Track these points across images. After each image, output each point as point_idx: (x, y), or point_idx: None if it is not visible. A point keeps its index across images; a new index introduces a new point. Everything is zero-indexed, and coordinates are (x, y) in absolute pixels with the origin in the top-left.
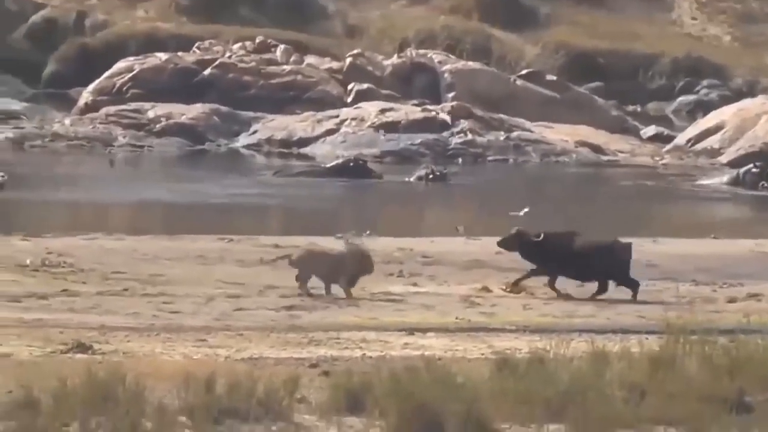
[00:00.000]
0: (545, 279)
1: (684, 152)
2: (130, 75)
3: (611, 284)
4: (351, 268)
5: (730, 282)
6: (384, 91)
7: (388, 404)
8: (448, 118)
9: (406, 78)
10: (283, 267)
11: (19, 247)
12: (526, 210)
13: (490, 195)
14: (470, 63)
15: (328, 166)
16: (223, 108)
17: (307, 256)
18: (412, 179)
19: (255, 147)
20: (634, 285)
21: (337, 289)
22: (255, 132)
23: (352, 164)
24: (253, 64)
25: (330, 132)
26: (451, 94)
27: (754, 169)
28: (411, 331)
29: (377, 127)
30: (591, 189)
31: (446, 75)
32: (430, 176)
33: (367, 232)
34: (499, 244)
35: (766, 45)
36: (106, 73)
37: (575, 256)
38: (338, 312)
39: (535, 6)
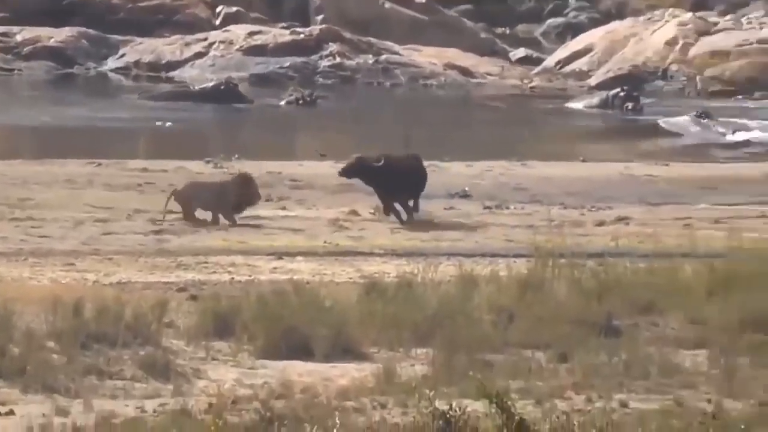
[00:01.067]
0: None
1: (553, 75)
2: None
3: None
4: (236, 197)
5: (599, 206)
6: (253, 14)
7: (256, 328)
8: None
9: (275, 1)
10: (151, 191)
11: None
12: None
13: (359, 119)
14: None
15: (197, 88)
16: (92, 31)
17: (191, 188)
18: (281, 103)
19: (123, 71)
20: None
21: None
22: (123, 55)
23: (222, 87)
24: None
25: (199, 55)
26: (320, 17)
27: (621, 93)
28: (279, 255)
29: (246, 51)
30: (459, 112)
31: None
32: (299, 101)
33: (236, 156)
34: (341, 173)
35: None
36: None
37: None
38: (206, 236)
39: None
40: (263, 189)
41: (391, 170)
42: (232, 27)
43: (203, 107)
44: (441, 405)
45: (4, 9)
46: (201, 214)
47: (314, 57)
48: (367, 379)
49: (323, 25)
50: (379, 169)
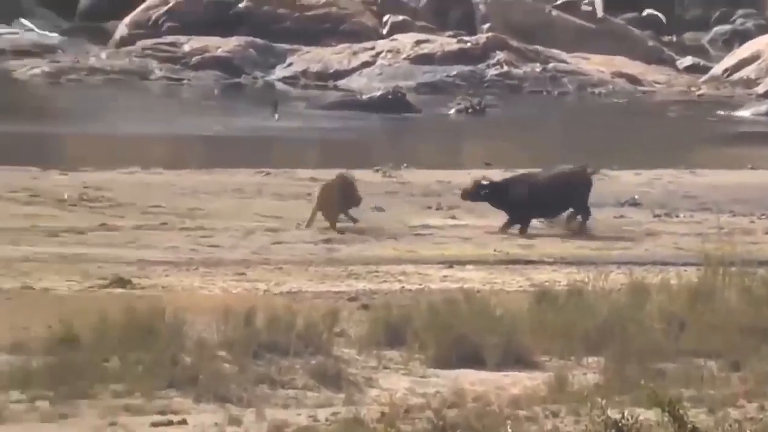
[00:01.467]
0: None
1: (720, 83)
2: (166, 8)
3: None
4: (338, 199)
5: None
6: (419, 23)
7: (427, 337)
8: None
9: (441, 9)
10: None
11: (56, 182)
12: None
13: (528, 127)
14: None
15: (365, 98)
16: (259, 40)
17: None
18: (450, 112)
19: (291, 80)
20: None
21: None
22: (290, 64)
23: (390, 96)
24: None
25: (366, 64)
26: (486, 25)
27: None
28: (450, 264)
29: (413, 60)
30: (627, 120)
31: (481, 6)
32: (469, 109)
33: (405, 165)
34: (463, 196)
35: None
36: (142, 6)
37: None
38: (376, 245)
39: None
40: (433, 198)
41: (517, 189)
42: (399, 36)
43: (371, 116)
44: (613, 414)
45: (172, 19)
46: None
47: (481, 65)
48: (539, 388)
49: (489, 34)
50: (503, 188)
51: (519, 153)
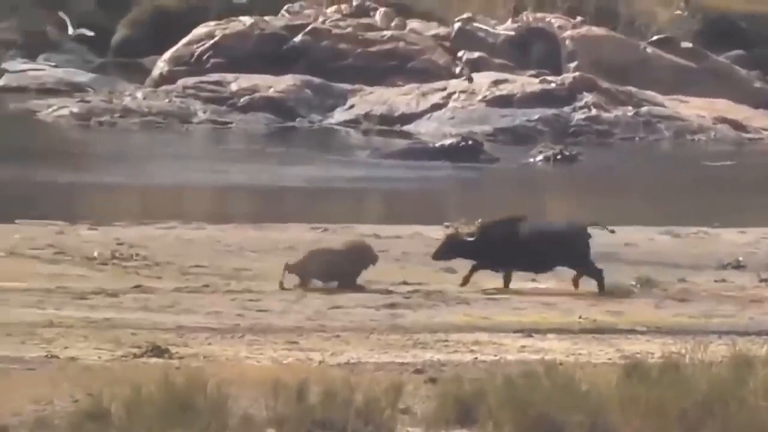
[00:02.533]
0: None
1: None
2: (211, 42)
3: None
4: (353, 265)
5: None
6: (497, 61)
7: (503, 414)
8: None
9: (521, 46)
10: (384, 260)
11: (85, 238)
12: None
13: (619, 179)
14: (594, 28)
15: (436, 145)
16: (316, 80)
17: (308, 259)
18: (534, 160)
19: (352, 123)
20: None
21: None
22: (352, 107)
23: (463, 144)
24: (350, 29)
25: (436, 107)
26: (572, 64)
27: None
28: (529, 332)
29: (489, 102)
30: (730, 171)
31: (567, 42)
32: (558, 156)
33: (479, 221)
34: (434, 257)
35: None
36: (184, 40)
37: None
38: (446, 310)
39: None
40: None
41: (489, 241)
42: (473, 75)
43: (442, 165)
44: None
45: (219, 54)
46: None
47: (566, 109)
48: None
49: (577, 73)
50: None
51: (609, 208)
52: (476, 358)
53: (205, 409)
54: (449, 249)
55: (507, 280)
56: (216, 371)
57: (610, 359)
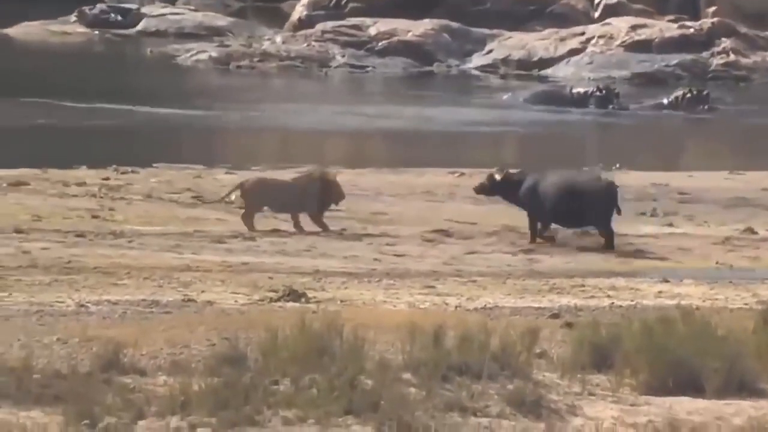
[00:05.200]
0: None
1: None
2: None
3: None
4: (318, 197)
5: None
6: (635, 6)
7: (639, 360)
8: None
9: None
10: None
11: (223, 182)
12: None
13: (761, 125)
14: None
15: (573, 92)
16: (454, 24)
17: (260, 185)
18: (665, 101)
19: (490, 68)
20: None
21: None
22: (490, 51)
23: (600, 93)
24: None
25: (574, 52)
26: (711, 9)
27: None
28: (665, 277)
29: (627, 47)
30: None
31: None
32: (685, 99)
33: (617, 165)
34: (475, 190)
35: None
36: None
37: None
38: (581, 256)
39: None
40: (647, 203)
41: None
42: (612, 20)
43: (579, 110)
44: None
45: None
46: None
47: (705, 54)
48: (765, 419)
49: (715, 18)
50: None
51: (749, 153)
52: (612, 303)
53: (341, 354)
54: (492, 185)
55: (534, 231)
56: (352, 316)
57: (746, 305)
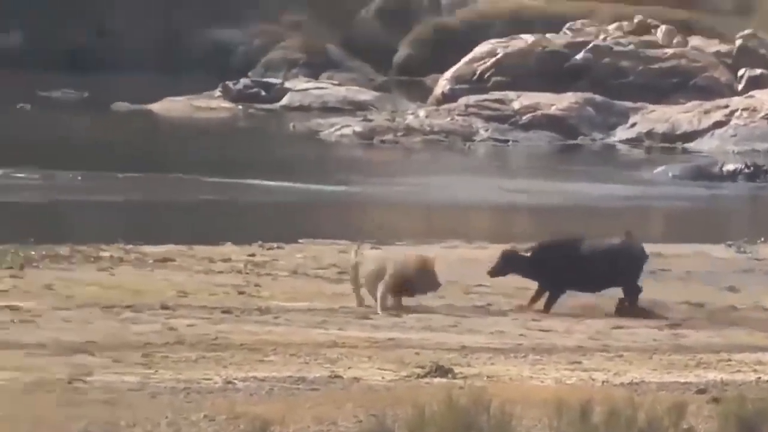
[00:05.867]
0: None
1: None
2: (493, 60)
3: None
4: (406, 282)
5: None
6: None
7: None
8: None
9: None
10: (665, 279)
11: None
12: None
13: None
14: None
15: (722, 170)
16: (598, 97)
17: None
18: None
19: (634, 141)
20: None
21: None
22: (634, 125)
23: (749, 170)
24: (631, 47)
25: (718, 124)
26: None
27: None
28: None
29: None
30: None
31: None
32: None
33: (762, 239)
34: (489, 274)
35: None
36: (466, 58)
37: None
38: (728, 331)
39: None
40: None
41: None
42: (755, 92)
43: (730, 185)
44: None
45: (500, 72)
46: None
47: None
48: None
49: None
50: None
51: None
52: (759, 377)
53: (489, 429)
54: (505, 265)
55: (552, 301)
56: (499, 391)
57: None
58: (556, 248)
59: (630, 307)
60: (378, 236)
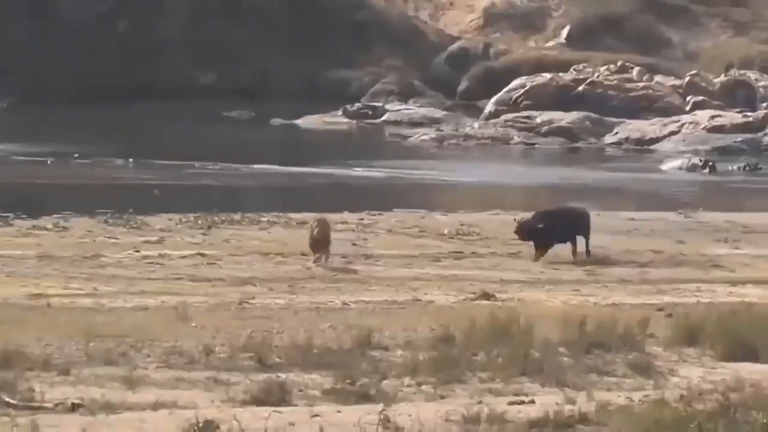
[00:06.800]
0: None
1: None
2: (524, 90)
3: None
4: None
5: None
6: (714, 102)
7: (716, 338)
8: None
9: (730, 92)
10: (636, 236)
11: (440, 221)
12: None
13: None
14: None
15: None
16: (593, 115)
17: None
18: (732, 168)
19: (616, 144)
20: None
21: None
22: (617, 133)
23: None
24: (615, 81)
25: (673, 133)
26: (765, 104)
27: None
28: (734, 283)
29: (709, 129)
30: None
31: (761, 89)
32: (747, 167)
33: (701, 209)
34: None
35: None
36: (505, 89)
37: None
38: (678, 269)
39: None
40: (721, 233)
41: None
42: (698, 112)
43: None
44: None
45: (528, 98)
46: None
47: (759, 134)
48: None
49: (766, 111)
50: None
51: None
52: (698, 300)
53: (518, 335)
54: (525, 233)
55: (543, 252)
56: (525, 309)
57: None
58: (554, 216)
59: (585, 253)
60: (445, 207)
